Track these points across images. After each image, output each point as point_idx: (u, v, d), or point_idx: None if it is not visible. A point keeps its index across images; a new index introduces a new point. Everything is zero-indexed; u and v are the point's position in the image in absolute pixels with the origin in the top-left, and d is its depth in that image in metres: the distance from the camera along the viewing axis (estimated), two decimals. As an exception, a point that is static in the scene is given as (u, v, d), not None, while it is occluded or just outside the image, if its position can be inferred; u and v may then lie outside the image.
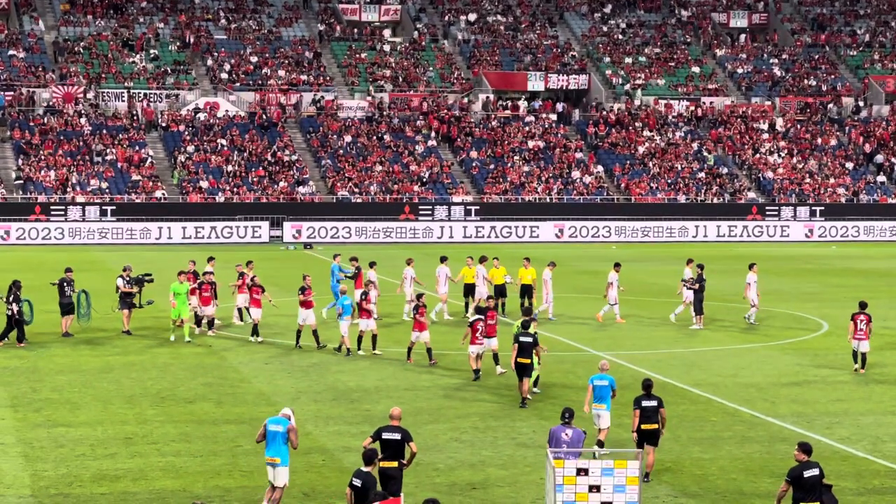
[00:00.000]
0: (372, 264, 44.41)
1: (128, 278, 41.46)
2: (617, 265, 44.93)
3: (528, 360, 31.23)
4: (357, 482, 19.73)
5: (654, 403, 24.55)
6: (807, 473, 19.97)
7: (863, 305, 36.46)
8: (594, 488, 20.77)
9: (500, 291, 45.52)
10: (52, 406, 31.03)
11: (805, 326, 44.54)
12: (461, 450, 27.18)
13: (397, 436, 21.53)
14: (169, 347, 39.33)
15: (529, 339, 31.21)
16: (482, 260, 45.73)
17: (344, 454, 26.79)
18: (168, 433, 28.32)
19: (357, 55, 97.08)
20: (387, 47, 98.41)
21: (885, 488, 24.68)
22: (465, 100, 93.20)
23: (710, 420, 30.17)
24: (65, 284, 40.85)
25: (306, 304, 38.71)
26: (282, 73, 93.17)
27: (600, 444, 26.01)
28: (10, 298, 38.88)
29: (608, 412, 26.21)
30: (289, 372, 35.62)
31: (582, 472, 20.79)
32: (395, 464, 21.33)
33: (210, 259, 45.37)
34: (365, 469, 19.95)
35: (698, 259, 47.69)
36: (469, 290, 45.40)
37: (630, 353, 36.77)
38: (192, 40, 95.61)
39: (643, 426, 24.53)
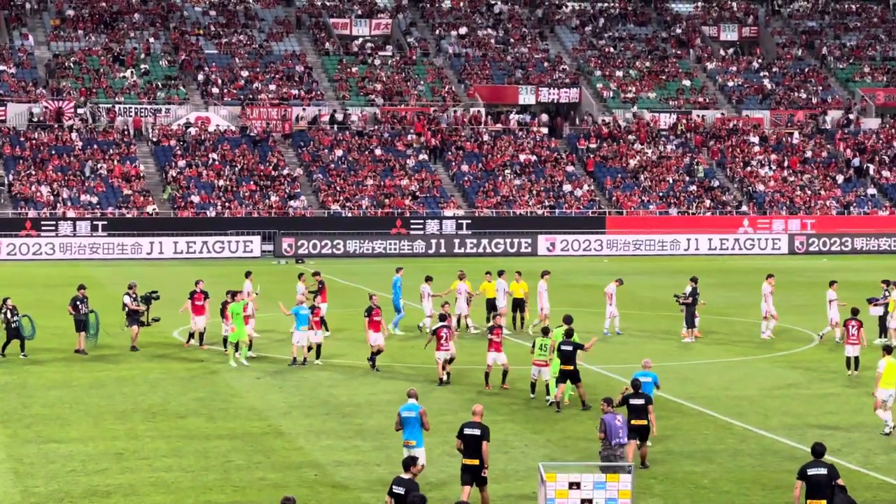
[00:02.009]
0: (428, 279, 44.82)
1: (134, 295, 40.99)
2: (694, 279, 44.63)
3: (571, 367, 32.07)
4: (398, 489, 19.77)
5: (641, 401, 26.47)
6: (811, 471, 20.94)
7: (855, 312, 38.10)
8: (586, 502, 20.77)
9: (491, 306, 45.69)
10: (42, 422, 30.95)
11: (796, 339, 44.54)
12: (453, 464, 27.10)
13: (476, 431, 23.09)
14: (160, 363, 39.20)
15: (570, 348, 32.14)
16: (500, 273, 45.82)
17: (336, 468, 26.75)
18: (159, 448, 28.26)
19: (348, 69, 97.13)
20: (377, 61, 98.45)
21: (878, 501, 24.68)
22: (458, 112, 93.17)
23: (703, 433, 30.18)
24: (78, 302, 40.44)
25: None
26: (272, 87, 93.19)
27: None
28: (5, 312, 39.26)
29: (651, 405, 26.97)
30: (280, 387, 35.58)
31: (574, 485, 20.80)
32: (477, 461, 22.98)
33: (248, 274, 45.37)
34: (405, 476, 20.07)
35: (691, 272, 47.76)
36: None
37: (622, 366, 36.77)
38: (182, 55, 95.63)
39: (633, 421, 26.14)
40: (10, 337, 39.57)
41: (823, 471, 20.96)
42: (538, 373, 33.52)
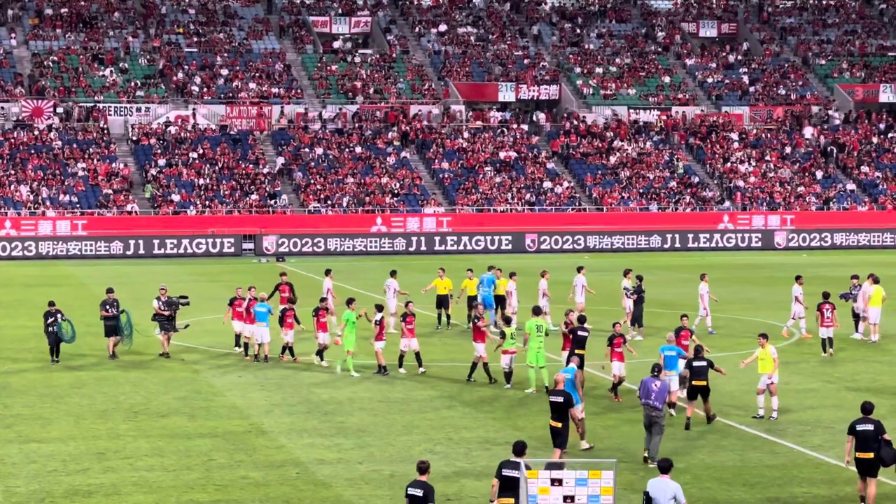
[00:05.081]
0: (512, 275, 45.02)
1: (165, 299, 39.69)
2: (798, 278, 44.42)
3: (584, 351, 33.35)
4: (508, 472, 20.73)
5: (704, 364, 30.21)
6: (859, 427, 23.53)
7: (826, 295, 40.83)
8: (568, 499, 20.80)
9: (472, 303, 45.75)
10: (23, 422, 30.88)
11: (777, 335, 44.64)
12: (435, 461, 27.15)
13: (560, 399, 26.06)
14: (141, 362, 39.04)
15: (586, 333, 33.89)
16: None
17: (318, 466, 26.76)
18: (141, 448, 28.23)
19: (328, 67, 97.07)
20: (357, 59, 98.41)
21: (857, 495, 24.77)
22: (437, 111, 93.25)
23: (683, 430, 30.21)
24: (107, 306, 39.32)
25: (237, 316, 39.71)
26: (252, 85, 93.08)
27: (672, 405, 31.05)
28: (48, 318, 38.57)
29: (677, 377, 31.09)
30: (262, 385, 35.56)
31: (556, 482, 20.82)
32: (560, 424, 25.93)
33: (328, 272, 45.01)
34: (515, 460, 20.89)
35: (670, 269, 47.82)
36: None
37: (602, 362, 36.77)
38: (162, 54, 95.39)
39: (695, 382, 30.09)
40: (52, 342, 38.69)
41: (870, 427, 23.44)
42: (510, 361, 34.58)
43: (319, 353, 38.31)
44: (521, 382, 34.97)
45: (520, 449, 21.15)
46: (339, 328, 37.49)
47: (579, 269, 46.79)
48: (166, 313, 39.58)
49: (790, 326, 44.07)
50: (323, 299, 39.64)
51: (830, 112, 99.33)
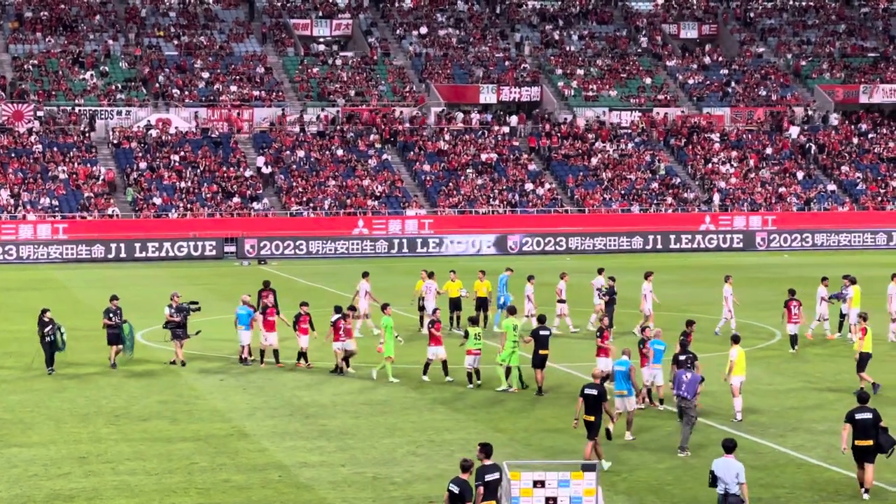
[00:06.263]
0: (530, 278, 44.93)
1: (176, 306, 38.72)
2: (824, 279, 44.26)
3: (548, 352, 34.20)
4: (491, 476, 20.52)
5: (689, 356, 30.63)
6: (858, 416, 24.28)
7: (792, 292, 41.82)
8: (551, 500, 20.81)
9: (454, 304, 45.71)
10: (4, 426, 30.78)
11: (758, 335, 44.75)
12: (418, 463, 27.19)
13: (595, 392, 26.62)
14: (123, 366, 38.89)
15: (548, 332, 34.43)
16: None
17: (301, 469, 26.73)
18: (122, 451, 28.16)
19: (309, 70, 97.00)
20: (339, 62, 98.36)
21: (839, 495, 24.85)
22: (418, 112, 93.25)
23: (665, 430, 30.28)
24: (110, 314, 38.37)
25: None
26: (233, 88, 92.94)
27: (661, 401, 32.34)
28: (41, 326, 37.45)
29: (662, 372, 32.23)
30: (244, 388, 35.49)
31: (538, 483, 20.84)
32: (593, 418, 26.36)
33: (365, 274, 44.47)
34: (489, 463, 20.65)
35: (652, 270, 47.88)
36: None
37: (584, 364, 36.83)
38: (142, 57, 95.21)
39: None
40: (48, 351, 37.53)
41: (869, 415, 24.22)
42: (474, 361, 35.14)
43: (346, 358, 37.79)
44: (490, 381, 35.07)
45: (490, 451, 20.89)
46: (378, 331, 37.42)
47: (600, 272, 46.64)
48: (177, 320, 38.65)
49: (827, 329, 44.06)
50: (352, 307, 38.85)
51: (827, 114, 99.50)
